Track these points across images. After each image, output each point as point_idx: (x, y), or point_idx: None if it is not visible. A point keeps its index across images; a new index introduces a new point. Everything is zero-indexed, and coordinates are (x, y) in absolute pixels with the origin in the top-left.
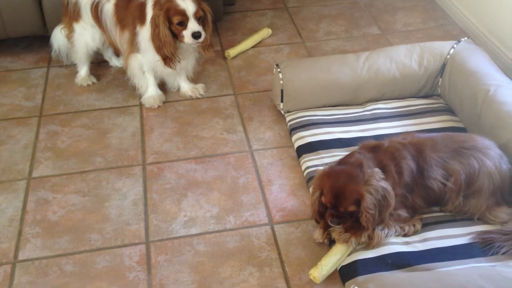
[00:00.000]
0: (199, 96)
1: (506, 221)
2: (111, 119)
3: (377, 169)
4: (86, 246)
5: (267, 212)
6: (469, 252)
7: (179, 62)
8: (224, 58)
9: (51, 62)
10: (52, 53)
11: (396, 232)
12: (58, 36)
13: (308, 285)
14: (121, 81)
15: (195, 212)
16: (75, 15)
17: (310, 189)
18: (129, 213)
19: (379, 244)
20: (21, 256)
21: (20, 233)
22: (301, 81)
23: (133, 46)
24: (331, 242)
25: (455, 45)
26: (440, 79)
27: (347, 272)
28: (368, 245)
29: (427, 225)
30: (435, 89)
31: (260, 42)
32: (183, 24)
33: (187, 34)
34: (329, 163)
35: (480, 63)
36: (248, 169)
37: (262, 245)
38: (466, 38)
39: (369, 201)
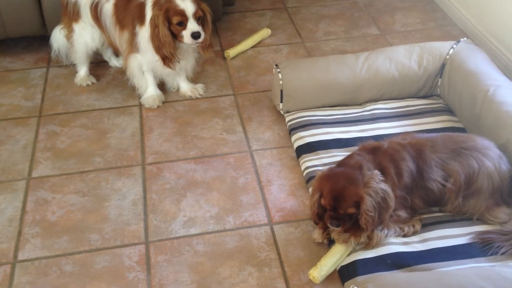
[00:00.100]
0: (199, 96)
1: (506, 221)
2: (110, 119)
3: (376, 171)
4: (85, 246)
5: (267, 212)
6: (468, 252)
7: (179, 62)
8: (224, 58)
9: (51, 62)
10: (52, 53)
11: (395, 232)
12: (57, 36)
13: (307, 285)
14: (121, 81)
15: (195, 212)
16: (75, 15)
17: (310, 190)
18: (129, 213)
19: (378, 245)
20: (20, 256)
21: (19, 233)
22: (300, 81)
23: (133, 46)
24: (331, 242)
25: (454, 46)
26: (440, 80)
27: (346, 272)
28: (368, 245)
29: (427, 225)
30: (434, 89)
31: (259, 42)
32: (183, 24)
33: (186, 34)
34: (329, 163)
35: (479, 63)
36: (248, 169)
37: (261, 245)
38: (465, 38)
39: (368, 203)
